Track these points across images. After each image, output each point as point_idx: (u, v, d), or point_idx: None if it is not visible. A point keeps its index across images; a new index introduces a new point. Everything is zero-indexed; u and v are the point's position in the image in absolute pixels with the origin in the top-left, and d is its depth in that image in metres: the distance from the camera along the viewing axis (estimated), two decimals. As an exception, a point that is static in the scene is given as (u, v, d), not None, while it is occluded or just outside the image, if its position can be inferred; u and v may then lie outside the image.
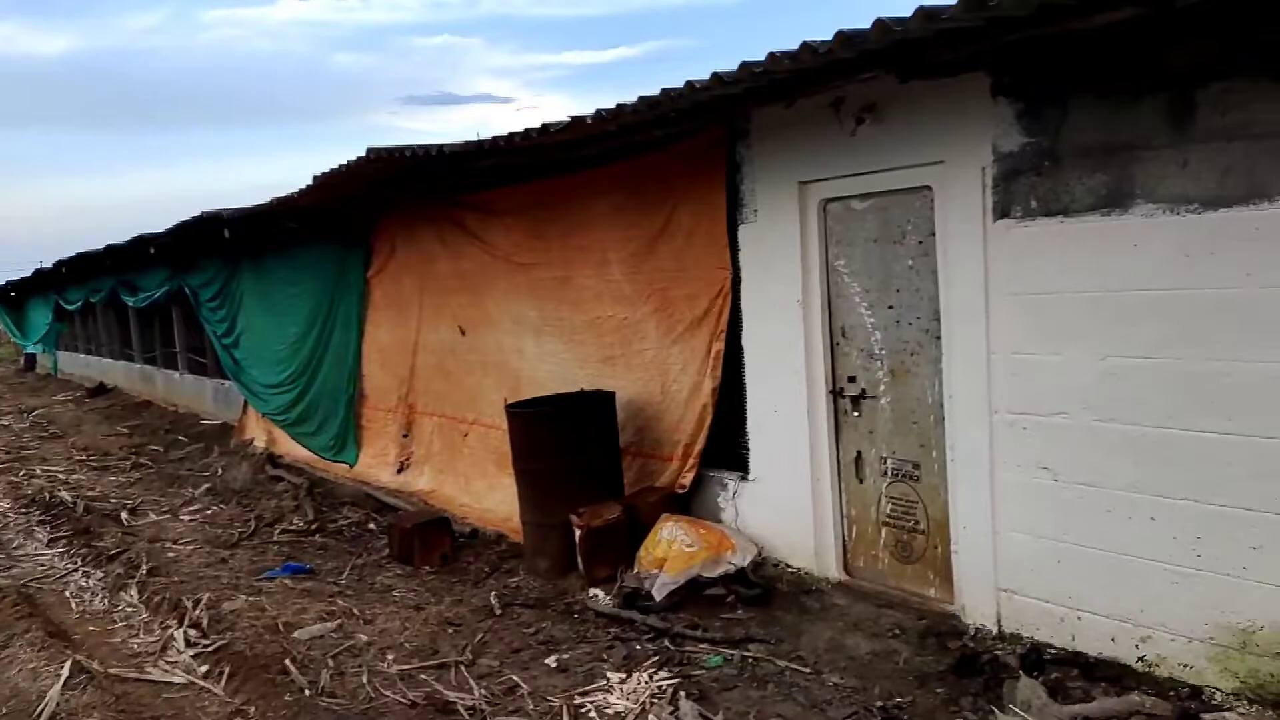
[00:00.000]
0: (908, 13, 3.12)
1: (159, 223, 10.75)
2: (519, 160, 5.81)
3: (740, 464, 5.32)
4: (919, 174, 4.15)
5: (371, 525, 7.21)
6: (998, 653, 3.96)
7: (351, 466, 8.93)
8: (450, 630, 4.88)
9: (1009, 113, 3.79)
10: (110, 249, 12.84)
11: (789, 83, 3.92)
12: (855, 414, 4.73)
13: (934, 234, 4.17)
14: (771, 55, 3.59)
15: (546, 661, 4.40)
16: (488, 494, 6.95)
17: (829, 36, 3.38)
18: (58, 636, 5.03)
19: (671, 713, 3.79)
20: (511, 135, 5.02)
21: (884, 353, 4.54)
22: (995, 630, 4.08)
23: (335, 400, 9.20)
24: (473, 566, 5.96)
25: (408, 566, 6.04)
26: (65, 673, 4.40)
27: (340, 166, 6.47)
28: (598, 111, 4.40)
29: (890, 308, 4.46)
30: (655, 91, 4.16)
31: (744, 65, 3.72)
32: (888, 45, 3.34)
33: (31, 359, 24.73)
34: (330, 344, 9.25)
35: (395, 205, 7.99)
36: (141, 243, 11.44)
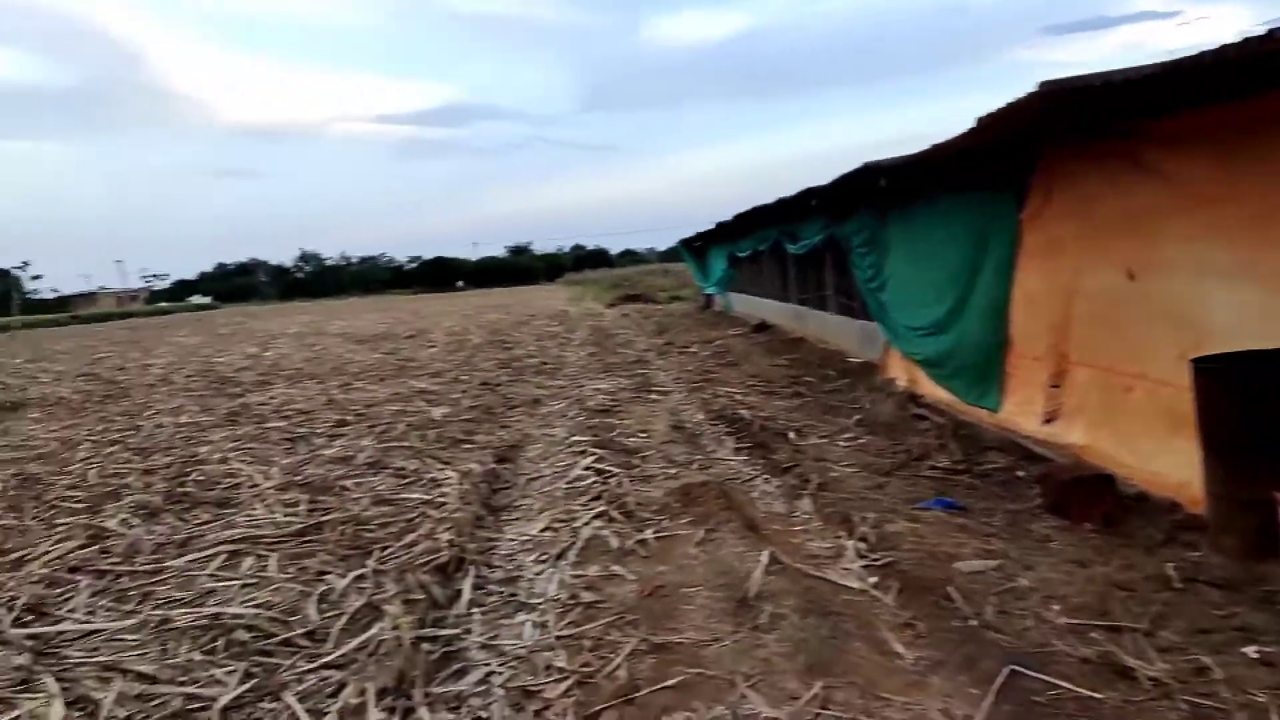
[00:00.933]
0: None
1: (812, 178, 11.88)
2: (1218, 80, 5.00)
3: None
4: None
5: (1020, 473, 7.10)
6: None
7: (993, 412, 8.87)
8: (1120, 594, 4.58)
9: None
10: (779, 201, 14.56)
11: None
12: None
13: None
14: None
15: (1245, 650, 3.88)
16: (1157, 456, 6.29)
17: None
18: (751, 530, 5.99)
19: None
20: (1224, 48, 4.31)
21: None
22: None
23: (979, 345, 9.18)
24: (1141, 532, 5.49)
25: (1063, 520, 5.82)
26: (764, 560, 5.24)
27: (1004, 106, 6.31)
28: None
29: None
30: None
31: None
32: None
33: (709, 299, 29.59)
34: (976, 289, 9.22)
35: (1056, 144, 7.55)
36: (805, 195, 12.74)
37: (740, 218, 18.93)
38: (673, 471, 7.78)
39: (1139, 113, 6.22)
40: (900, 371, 11.24)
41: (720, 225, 22.23)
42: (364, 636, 4.72)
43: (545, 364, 16.40)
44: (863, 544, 5.50)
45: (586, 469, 7.89)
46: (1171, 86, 5.37)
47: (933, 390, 10.20)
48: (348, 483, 7.95)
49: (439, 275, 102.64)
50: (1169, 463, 6.03)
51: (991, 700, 3.61)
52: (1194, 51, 4.68)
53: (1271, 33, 4.17)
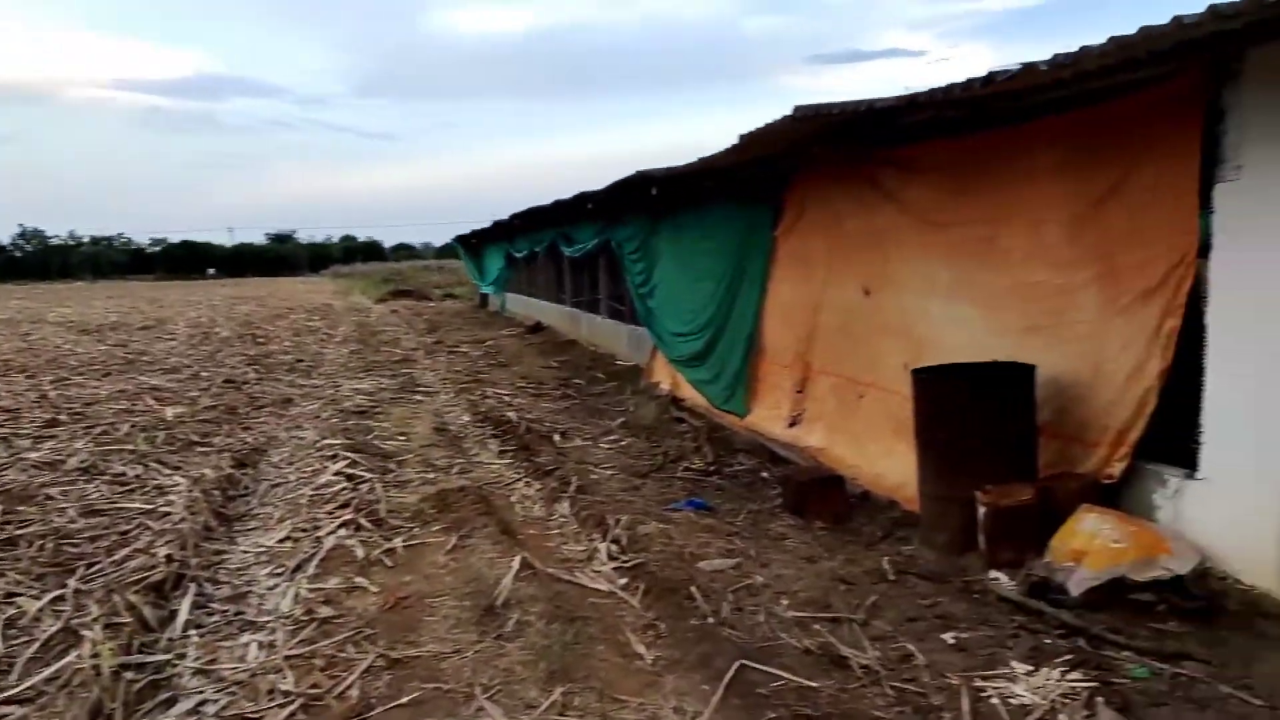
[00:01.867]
0: None
1: (591, 182, 12.03)
2: (948, 114, 5.53)
3: (1186, 459, 4.65)
4: None
5: (765, 474, 7.47)
6: None
7: (741, 417, 9.31)
8: (842, 587, 4.91)
9: None
10: (556, 203, 14.59)
11: (1312, 10, 3.24)
12: (1359, 416, 3.88)
13: None
14: (1294, -23, 2.99)
15: (943, 637, 4.25)
16: (881, 458, 6.84)
17: None
18: (507, 534, 5.89)
19: (1087, 717, 3.48)
20: (950, 87, 4.77)
21: None
22: None
23: (734, 352, 9.62)
24: (865, 529, 5.94)
25: (799, 519, 6.17)
26: (515, 566, 5.15)
27: (765, 125, 6.65)
28: (1055, 57, 4.01)
29: None
30: (1092, 40, 3.69)
31: (1252, -7, 3.15)
32: None
33: (484, 297, 29.18)
34: (734, 299, 9.67)
35: (808, 164, 8.05)
36: (581, 199, 12.85)
37: (518, 218, 18.81)
38: (431, 476, 7.52)
39: (880, 140, 6.75)
40: (664, 375, 11.57)
41: (498, 224, 21.99)
42: (56, 666, 4.15)
43: (300, 361, 15.44)
44: (615, 546, 5.55)
45: (336, 474, 7.45)
46: (906, 118, 5.87)
47: (692, 394, 10.58)
48: (53, 491, 7.02)
49: (187, 261, 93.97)
50: (891, 465, 6.58)
51: (720, 696, 3.72)
52: (927, 88, 5.13)
53: (991, 75, 4.62)
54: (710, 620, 4.46)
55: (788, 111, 6.01)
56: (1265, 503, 4.21)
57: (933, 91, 4.85)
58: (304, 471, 7.70)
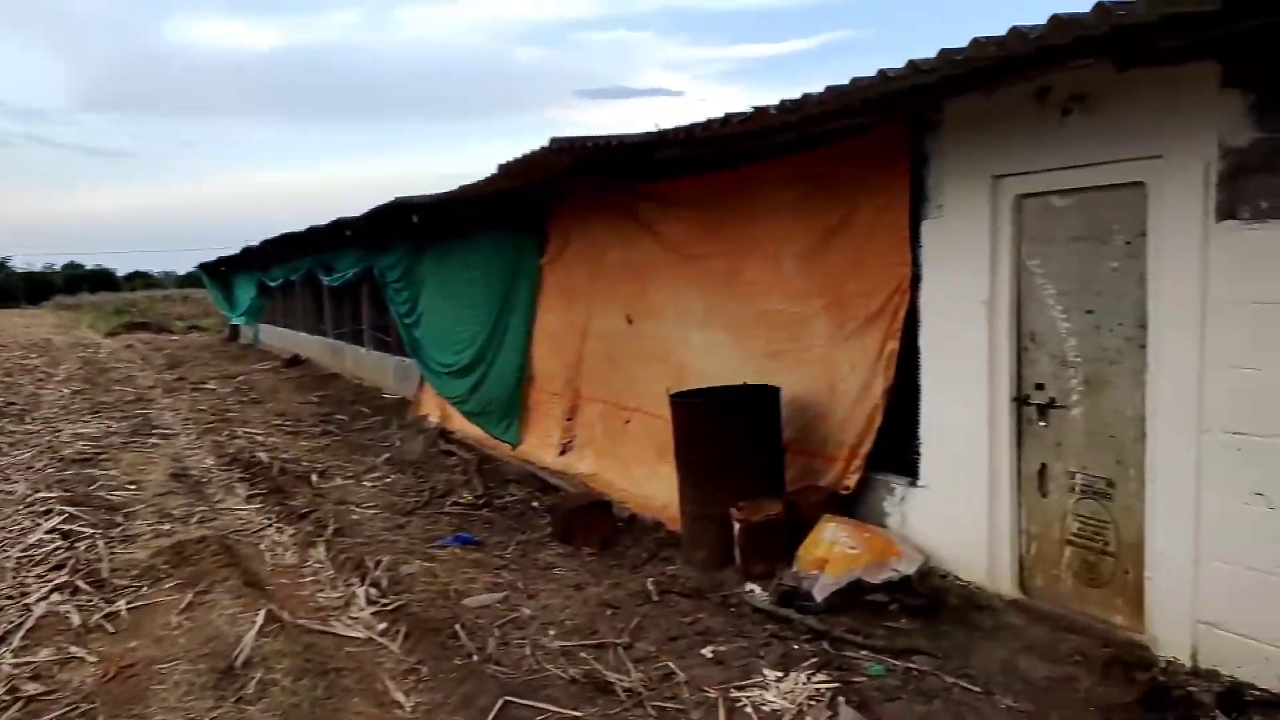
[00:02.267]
0: (1079, 6, 2.90)
1: (354, 209, 11.53)
2: (696, 151, 5.82)
3: (909, 469, 5.13)
4: (1131, 169, 3.85)
5: (535, 504, 7.43)
6: (1191, 689, 3.64)
7: (514, 447, 9.25)
8: (609, 612, 4.96)
9: (1239, 105, 3.45)
10: (311, 230, 13.85)
11: (992, 71, 3.72)
12: (1041, 424, 4.46)
13: (1144, 234, 3.86)
14: (974, 42, 3.42)
15: (703, 652, 4.40)
16: (647, 481, 7.03)
17: (1006, 28, 3.18)
18: (253, 586, 5.45)
19: (830, 717, 3.71)
20: (692, 126, 5.03)
21: (1079, 360, 4.25)
22: (1189, 665, 3.75)
23: (504, 382, 9.55)
24: (630, 551, 6.05)
25: (568, 546, 6.19)
26: (260, 620, 4.75)
27: (523, 156, 6.69)
28: (781, 102, 4.33)
29: (1089, 312, 4.17)
30: (834, 83, 4.06)
31: (943, 53, 3.56)
32: (1107, 31, 3.11)
33: (235, 330, 27.09)
34: (503, 328, 9.61)
35: (571, 195, 8.19)
36: (339, 226, 12.28)
37: (272, 244, 17.68)
38: (166, 528, 6.83)
39: (638, 175, 6.98)
40: (433, 408, 11.26)
41: (249, 251, 20.55)
42: None
43: (11, 405, 13.57)
44: (374, 590, 5.28)
45: (50, 532, 6.58)
46: (656, 154, 6.11)
47: (463, 426, 10.37)
48: None
49: None
50: (656, 487, 6.77)
51: (483, 737, 3.63)
52: (673, 126, 5.37)
53: (727, 116, 4.91)
54: (475, 658, 4.35)
55: (544, 143, 6.08)
56: (973, 506, 4.72)
57: (677, 129, 5.09)
58: (10, 531, 6.73)
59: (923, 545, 4.98)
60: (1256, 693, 3.51)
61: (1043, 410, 4.44)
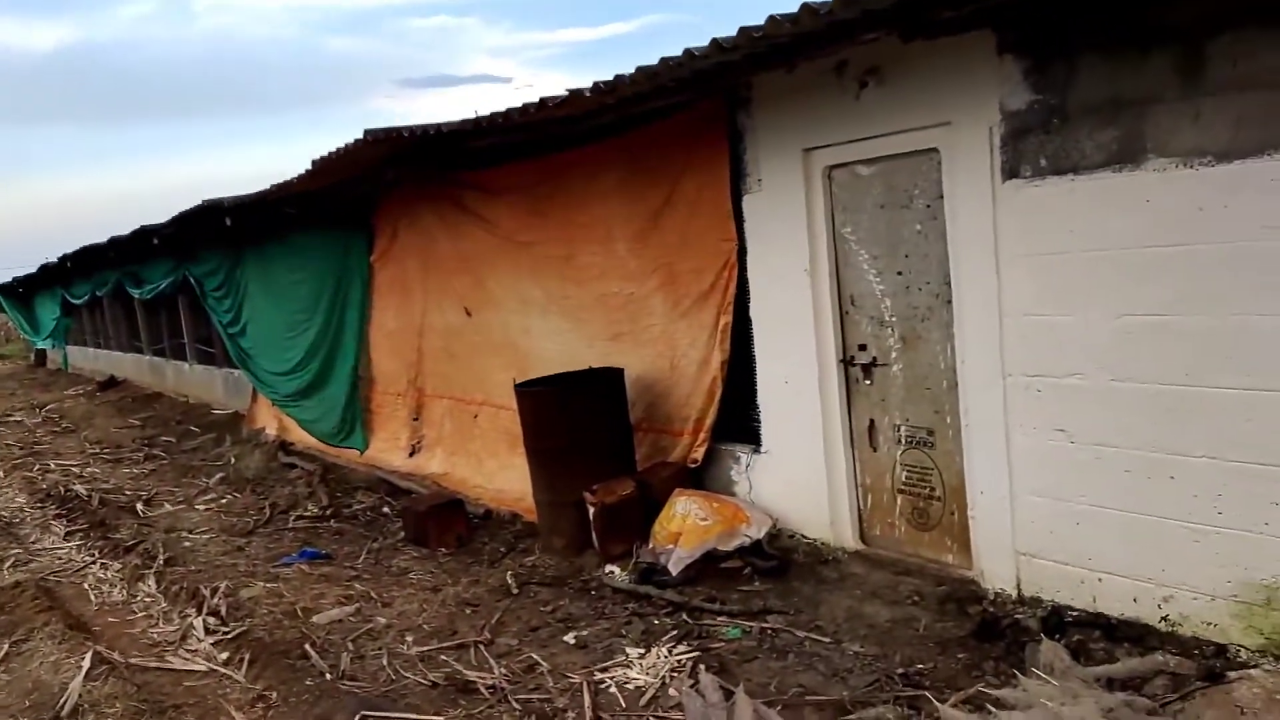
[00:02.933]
0: None
1: (161, 214, 10.69)
2: (518, 137, 5.75)
3: (752, 437, 5.29)
4: (925, 136, 4.08)
5: (386, 509, 7.22)
6: (1018, 616, 3.95)
7: (361, 453, 8.94)
8: (468, 611, 4.89)
9: (1015, 70, 3.71)
10: (114, 241, 12.80)
11: (789, 47, 3.85)
12: (867, 382, 4.69)
13: (942, 197, 4.11)
14: (771, 19, 3.52)
15: (565, 639, 4.41)
16: (500, 474, 6.95)
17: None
18: (78, 629, 5.07)
19: (692, 685, 3.79)
20: (509, 111, 4.96)
21: (894, 319, 4.49)
22: (1015, 594, 4.07)
23: (341, 386, 9.19)
24: (488, 547, 5.97)
25: (423, 549, 6.05)
26: (86, 664, 4.42)
27: (337, 150, 6.41)
28: (595, 84, 4.33)
29: (899, 274, 4.41)
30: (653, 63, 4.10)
31: (743, 30, 3.65)
32: (890, 5, 3.27)
33: (42, 355, 24.82)
34: (335, 329, 9.23)
35: (395, 188, 7.92)
36: (144, 234, 11.40)
37: (71, 259, 16.23)
38: (-28, 577, 6.21)
39: (464, 164, 6.82)
40: (270, 419, 10.71)
41: (45, 268, 18.79)
42: None
43: None
44: (213, 618, 5.00)
45: None
46: (477, 141, 5.98)
47: (304, 436, 9.91)
48: None
49: None
50: (510, 479, 6.70)
51: (343, 757, 3.50)
52: (489, 112, 5.27)
53: (543, 100, 4.86)
54: (328, 676, 4.19)
55: (358, 135, 5.84)
56: (812, 465, 4.92)
57: (494, 115, 5.01)
58: None
59: (770, 509, 5.16)
60: (1074, 613, 3.84)
61: (867, 369, 4.68)
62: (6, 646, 4.88)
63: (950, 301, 4.16)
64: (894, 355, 4.54)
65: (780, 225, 4.83)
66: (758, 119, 4.85)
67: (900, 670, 3.69)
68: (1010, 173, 3.78)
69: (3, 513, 8.19)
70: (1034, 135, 3.69)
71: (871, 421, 4.72)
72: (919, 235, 4.28)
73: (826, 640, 4.09)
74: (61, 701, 4.09)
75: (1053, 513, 3.90)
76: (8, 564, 6.55)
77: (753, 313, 5.11)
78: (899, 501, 4.67)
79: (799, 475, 5.02)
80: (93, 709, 4.03)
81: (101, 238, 13.25)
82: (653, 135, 5.33)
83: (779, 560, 4.89)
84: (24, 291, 23.84)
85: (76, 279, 18.19)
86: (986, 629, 3.94)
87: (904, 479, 4.62)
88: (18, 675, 4.53)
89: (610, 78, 4.29)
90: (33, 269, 20.20)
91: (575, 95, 4.42)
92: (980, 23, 3.69)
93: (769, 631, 4.24)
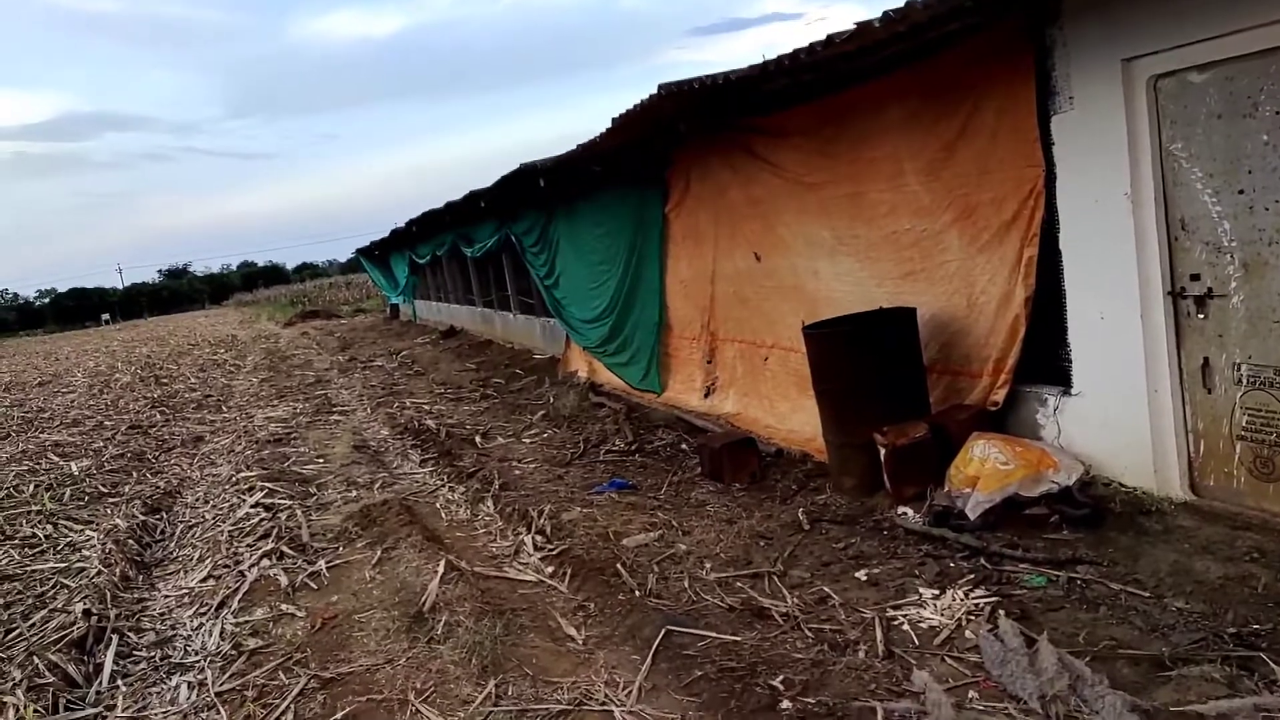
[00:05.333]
0: None
1: (485, 178, 11.85)
2: (807, 78, 5.71)
3: (1061, 378, 4.95)
4: (1273, 33, 3.53)
5: (684, 446, 7.63)
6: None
7: (658, 395, 9.47)
8: (761, 543, 5.10)
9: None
10: (449, 206, 14.44)
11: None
12: (1200, 316, 4.20)
13: (1298, 100, 3.55)
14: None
15: (857, 575, 4.47)
16: (791, 415, 7.07)
17: None
18: (433, 540, 5.92)
19: (990, 630, 3.71)
20: (796, 52, 4.95)
21: (1234, 245, 3.97)
22: (1388, 558, 3.51)
23: (643, 331, 9.76)
24: (780, 485, 6.14)
25: (718, 484, 6.35)
26: (441, 570, 5.19)
27: (635, 106, 6.76)
28: (885, 14, 4.20)
29: (1241, 192, 3.88)
30: None
31: (1048, -63, 3.36)
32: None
33: (395, 308, 28.72)
34: (635, 279, 9.79)
35: (687, 139, 8.19)
36: (473, 198, 12.76)
37: (415, 223, 18.56)
38: (353, 495, 7.47)
39: (751, 110, 6.92)
40: (581, 364, 11.65)
41: (396, 233, 21.64)
42: (-25, 739, 4.05)
43: (209, 397, 15.02)
44: (540, 537, 5.63)
45: (255, 506, 7.34)
46: (766, 85, 6.03)
47: (610, 378, 10.69)
48: (-44, 564, 6.75)
49: (78, 309, 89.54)
50: (800, 420, 6.80)
51: (649, 663, 3.86)
52: (776, 55, 5.29)
53: (830, 37, 4.80)
54: (637, 594, 4.60)
55: (653, 91, 6.12)
56: (1133, 408, 4.52)
57: (781, 58, 5.01)
58: (221, 508, 7.56)
59: (1082, 454, 4.82)
60: None
61: (1200, 302, 4.19)
62: (380, 553, 5.84)
63: (1307, 221, 3.60)
64: (1234, 285, 4.02)
65: (1096, 145, 4.42)
66: (1068, 31, 4.44)
67: (1231, 629, 3.35)
68: (1392, 63, 3.18)
69: (372, 443, 9.67)
70: None
71: (1206, 359, 4.23)
72: (1266, 147, 3.72)
73: (1145, 594, 3.79)
74: (423, 599, 4.86)
75: None
76: (377, 485, 7.77)
77: (1063, 244, 4.74)
78: (1238, 449, 4.16)
79: (1117, 419, 4.63)
80: (447, 607, 4.74)
81: (439, 203, 15.00)
82: (947, 61, 5.06)
83: (1092, 508, 4.57)
84: (380, 253, 27.66)
85: (420, 242, 20.78)
86: (1347, 595, 3.45)
87: (1245, 424, 4.11)
88: (389, 576, 5.43)
89: (901, 4, 4.14)
90: (384, 233, 23.34)
91: (863, 27, 4.31)
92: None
93: (1079, 582, 4.01)
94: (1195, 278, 4.19)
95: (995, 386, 5.24)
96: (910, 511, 5.08)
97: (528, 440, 8.83)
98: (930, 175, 5.39)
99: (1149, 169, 4.23)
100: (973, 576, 4.19)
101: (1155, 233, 4.29)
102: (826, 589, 4.35)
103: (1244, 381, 4.08)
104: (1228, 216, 3.97)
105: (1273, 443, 4.00)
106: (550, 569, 5.16)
